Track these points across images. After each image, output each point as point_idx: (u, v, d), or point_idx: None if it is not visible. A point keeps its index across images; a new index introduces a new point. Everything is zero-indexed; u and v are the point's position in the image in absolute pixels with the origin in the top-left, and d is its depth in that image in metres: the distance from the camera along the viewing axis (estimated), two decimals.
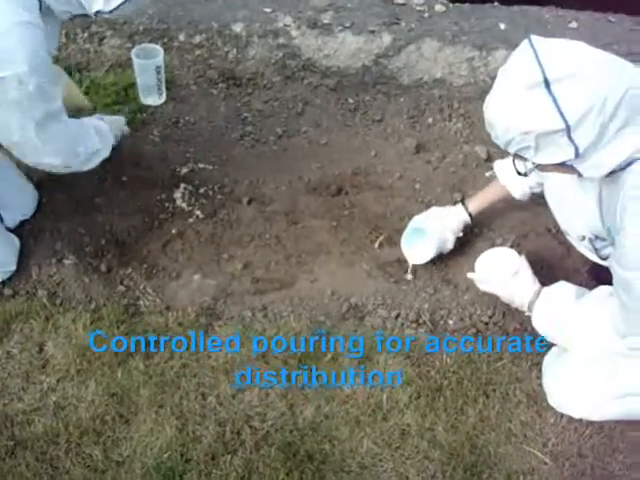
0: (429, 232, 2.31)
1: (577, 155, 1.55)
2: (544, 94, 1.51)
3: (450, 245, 2.36)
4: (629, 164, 1.59)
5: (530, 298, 2.01)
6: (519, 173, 1.80)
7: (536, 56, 1.53)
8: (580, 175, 1.65)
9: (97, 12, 1.93)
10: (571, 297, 1.94)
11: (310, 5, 3.17)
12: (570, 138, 1.53)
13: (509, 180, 2.29)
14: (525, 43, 1.58)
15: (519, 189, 2.29)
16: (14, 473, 1.91)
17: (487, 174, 2.37)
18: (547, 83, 1.50)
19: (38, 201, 2.50)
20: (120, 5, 1.92)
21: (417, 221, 2.36)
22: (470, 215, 2.37)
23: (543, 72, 1.51)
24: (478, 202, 2.38)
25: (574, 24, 3.14)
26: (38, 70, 1.81)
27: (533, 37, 1.58)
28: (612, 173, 1.63)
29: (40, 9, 1.86)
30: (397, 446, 1.97)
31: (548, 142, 1.56)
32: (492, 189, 2.37)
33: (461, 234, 2.38)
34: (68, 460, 1.93)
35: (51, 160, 2.04)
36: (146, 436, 1.97)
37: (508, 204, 2.50)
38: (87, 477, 1.90)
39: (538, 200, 2.29)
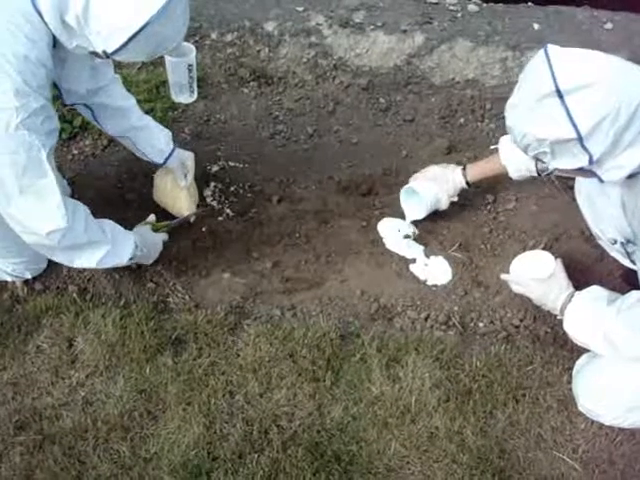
0: (422, 194, 2.41)
1: (591, 162, 1.56)
2: (557, 104, 1.53)
3: (444, 206, 2.46)
4: None
5: (563, 302, 1.99)
6: (539, 174, 1.80)
7: (550, 67, 1.54)
8: (600, 179, 1.64)
9: (107, 54, 1.72)
10: (603, 302, 1.90)
11: (342, 4, 3.15)
12: (583, 146, 1.54)
13: (508, 158, 2.29)
14: (541, 53, 1.59)
15: (516, 170, 2.29)
16: (42, 467, 1.93)
17: (491, 147, 2.38)
18: (560, 94, 1.52)
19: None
20: (121, 49, 1.68)
21: (413, 180, 2.48)
22: (468, 183, 2.42)
23: (556, 83, 1.52)
24: (477, 172, 2.42)
25: (609, 25, 3.09)
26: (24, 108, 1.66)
27: (549, 46, 1.59)
28: (632, 176, 1.62)
29: (54, 45, 1.76)
30: (425, 449, 1.95)
31: (562, 149, 1.58)
32: (493, 162, 2.37)
33: (456, 198, 2.46)
34: (95, 456, 1.95)
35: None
36: (173, 433, 1.98)
37: (541, 206, 2.50)
38: (114, 473, 1.92)
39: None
